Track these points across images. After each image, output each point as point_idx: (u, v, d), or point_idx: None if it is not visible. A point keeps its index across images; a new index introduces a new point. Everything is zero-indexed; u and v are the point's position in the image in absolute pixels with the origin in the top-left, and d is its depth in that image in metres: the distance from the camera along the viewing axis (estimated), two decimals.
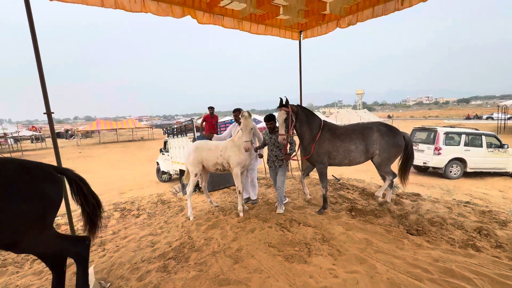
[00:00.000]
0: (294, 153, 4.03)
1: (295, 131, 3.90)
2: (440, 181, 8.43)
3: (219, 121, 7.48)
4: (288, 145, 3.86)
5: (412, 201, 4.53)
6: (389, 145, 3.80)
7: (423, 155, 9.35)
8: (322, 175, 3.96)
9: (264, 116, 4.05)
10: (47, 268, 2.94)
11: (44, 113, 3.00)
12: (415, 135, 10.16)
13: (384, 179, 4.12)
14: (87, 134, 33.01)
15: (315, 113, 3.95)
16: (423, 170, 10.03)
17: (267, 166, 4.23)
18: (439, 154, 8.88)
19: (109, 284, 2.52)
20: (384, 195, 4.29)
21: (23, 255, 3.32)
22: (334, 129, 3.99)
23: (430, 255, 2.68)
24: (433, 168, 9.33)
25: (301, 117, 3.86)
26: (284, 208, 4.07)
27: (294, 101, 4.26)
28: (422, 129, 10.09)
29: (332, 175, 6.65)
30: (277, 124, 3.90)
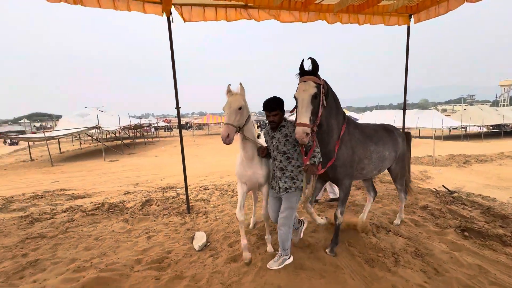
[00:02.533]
0: (319, 162, 2.28)
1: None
2: None
3: None
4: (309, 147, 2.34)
5: None
6: (405, 151, 3.34)
7: None
8: (347, 194, 2.66)
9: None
10: (174, 221, 3.98)
11: (175, 108, 4.01)
12: None
13: (400, 194, 3.47)
14: (199, 126, 40.16)
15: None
16: None
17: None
18: None
19: (208, 243, 3.17)
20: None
21: (158, 209, 4.60)
22: (362, 127, 2.86)
23: None
24: None
25: (330, 99, 2.37)
26: (290, 258, 2.52)
27: (399, 98, 3.55)
28: None
29: (443, 186, 5.48)
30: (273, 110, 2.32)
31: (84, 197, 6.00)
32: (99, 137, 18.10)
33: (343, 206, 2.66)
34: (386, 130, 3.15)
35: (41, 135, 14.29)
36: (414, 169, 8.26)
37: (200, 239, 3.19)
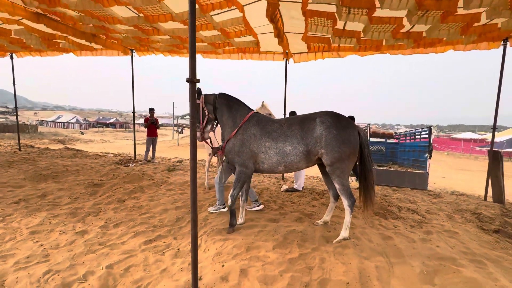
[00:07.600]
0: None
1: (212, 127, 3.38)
2: None
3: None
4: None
5: None
6: (338, 141, 2.79)
7: None
8: (238, 181, 3.08)
9: None
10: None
11: None
12: None
13: (337, 200, 3.34)
14: None
15: (243, 102, 3.29)
16: None
17: None
18: None
19: None
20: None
21: None
22: (265, 123, 3.10)
23: None
24: None
25: (219, 105, 3.21)
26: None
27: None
28: None
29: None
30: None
31: None
32: None
33: (233, 190, 3.09)
34: (301, 122, 2.99)
35: None
36: None
37: None
